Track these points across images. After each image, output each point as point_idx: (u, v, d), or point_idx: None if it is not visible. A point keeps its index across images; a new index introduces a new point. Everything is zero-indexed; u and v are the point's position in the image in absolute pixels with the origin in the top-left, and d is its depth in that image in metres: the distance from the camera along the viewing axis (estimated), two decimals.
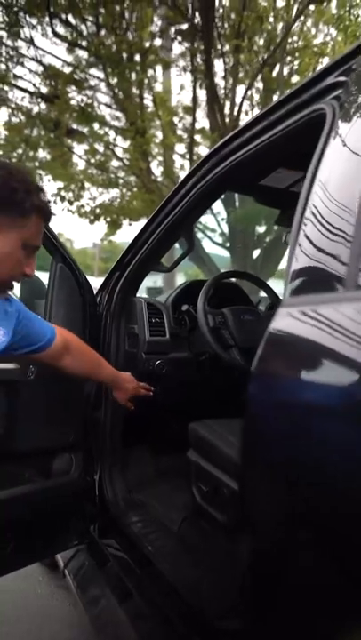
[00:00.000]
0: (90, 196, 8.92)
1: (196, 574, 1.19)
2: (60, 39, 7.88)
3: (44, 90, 8.15)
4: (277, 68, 8.33)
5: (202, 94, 8.48)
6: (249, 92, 8.47)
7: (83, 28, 7.99)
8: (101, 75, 8.44)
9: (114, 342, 1.56)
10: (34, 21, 7.31)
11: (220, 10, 7.69)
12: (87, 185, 8.93)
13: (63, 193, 8.57)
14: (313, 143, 0.86)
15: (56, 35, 7.80)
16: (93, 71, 8.52)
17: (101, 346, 1.53)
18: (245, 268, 8.42)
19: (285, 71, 8.49)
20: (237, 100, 8.35)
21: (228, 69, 8.12)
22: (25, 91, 8.14)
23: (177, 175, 8.91)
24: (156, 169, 9.18)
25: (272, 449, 0.63)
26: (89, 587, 1.37)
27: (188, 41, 7.81)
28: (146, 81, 8.23)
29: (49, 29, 7.66)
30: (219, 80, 8.18)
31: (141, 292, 1.70)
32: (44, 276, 1.55)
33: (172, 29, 8.22)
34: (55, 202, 8.05)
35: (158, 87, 8.95)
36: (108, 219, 8.77)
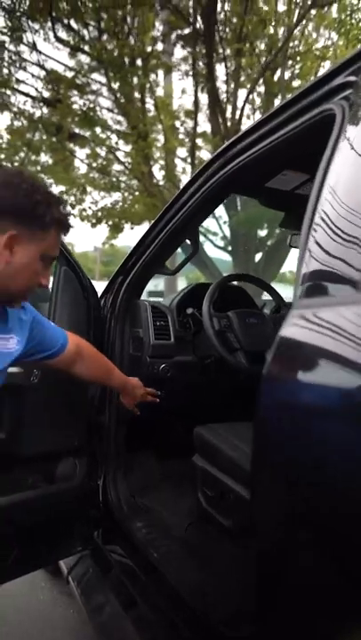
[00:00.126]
0: (91, 200, 8.96)
1: (202, 580, 1.17)
2: (62, 44, 7.92)
3: (46, 94, 8.18)
4: (279, 72, 8.36)
5: (203, 98, 8.53)
6: (251, 96, 8.49)
7: (85, 32, 8.05)
8: (103, 79, 8.48)
9: (118, 346, 1.55)
10: (36, 26, 7.35)
11: (222, 14, 7.73)
12: (89, 189, 8.96)
13: (65, 197, 8.59)
14: (321, 144, 0.85)
15: (58, 39, 7.84)
16: (95, 76, 8.57)
17: (105, 349, 1.52)
18: (247, 271, 8.41)
19: (287, 75, 8.52)
20: (239, 104, 8.38)
21: (229, 73, 8.14)
22: (27, 95, 8.18)
23: (179, 179, 8.93)
24: (158, 173, 9.22)
25: (285, 453, 0.62)
26: (93, 593, 1.35)
27: (190, 45, 7.83)
28: (148, 85, 8.26)
29: (51, 34, 7.71)
30: (220, 84, 8.22)
31: (143, 296, 1.69)
32: None
33: (174, 34, 8.27)
34: None
35: (160, 91, 9.00)
36: (110, 222, 8.78)
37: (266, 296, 1.96)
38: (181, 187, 1.40)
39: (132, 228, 8.90)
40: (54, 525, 1.36)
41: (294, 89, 7.42)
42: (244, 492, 1.09)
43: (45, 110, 8.30)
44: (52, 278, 1.48)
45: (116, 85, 8.30)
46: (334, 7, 7.86)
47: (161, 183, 8.93)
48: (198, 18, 7.57)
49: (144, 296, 1.70)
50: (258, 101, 8.88)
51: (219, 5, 7.44)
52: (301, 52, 8.17)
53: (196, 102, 8.34)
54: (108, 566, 1.44)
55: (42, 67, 8.09)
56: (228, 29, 7.76)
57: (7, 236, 0.81)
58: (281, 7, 7.93)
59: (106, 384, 1.36)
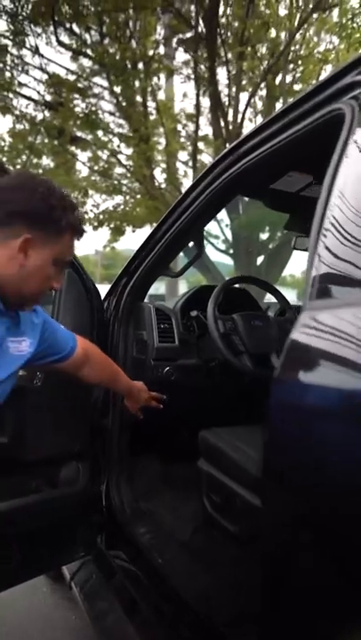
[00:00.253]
0: (93, 203, 8.96)
1: (207, 586, 1.15)
2: (64, 48, 7.95)
3: (48, 98, 8.20)
4: (280, 76, 8.38)
5: (205, 102, 8.55)
6: (252, 100, 8.51)
7: (87, 36, 8.08)
8: (105, 83, 8.51)
9: (122, 348, 1.54)
10: (38, 30, 7.38)
11: (224, 18, 7.75)
12: (90, 192, 8.96)
13: None
14: (328, 145, 0.85)
15: (60, 43, 7.87)
16: (97, 79, 8.60)
17: (109, 352, 1.51)
18: (249, 274, 8.39)
19: (288, 79, 8.54)
20: (241, 107, 8.39)
21: (231, 77, 8.15)
22: (29, 99, 8.21)
23: (180, 182, 8.94)
24: (160, 176, 9.23)
25: (297, 457, 0.61)
26: (96, 599, 1.33)
27: (192, 49, 7.86)
28: (149, 89, 8.28)
29: (53, 38, 7.74)
30: (222, 87, 8.23)
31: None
32: None
33: (175, 38, 8.30)
34: None
35: (161, 95, 9.02)
36: (112, 225, 8.78)
37: (269, 299, 1.95)
38: (185, 189, 1.39)
39: (133, 231, 8.90)
40: (57, 530, 1.35)
41: (296, 92, 7.44)
42: (250, 497, 1.07)
43: (47, 114, 8.32)
44: None
45: (117, 89, 8.32)
46: (335, 12, 7.91)
47: (163, 186, 8.94)
48: (200, 21, 7.58)
49: (145, 299, 1.69)
50: (259, 105, 8.91)
51: (221, 9, 7.47)
52: (303, 56, 8.18)
53: (198, 106, 8.35)
54: (111, 571, 1.43)
55: (44, 70, 8.13)
56: (229, 33, 7.77)
57: (22, 240, 0.81)
58: (282, 11, 7.99)
59: (112, 387, 1.36)
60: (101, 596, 1.35)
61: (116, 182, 8.98)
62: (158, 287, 11.35)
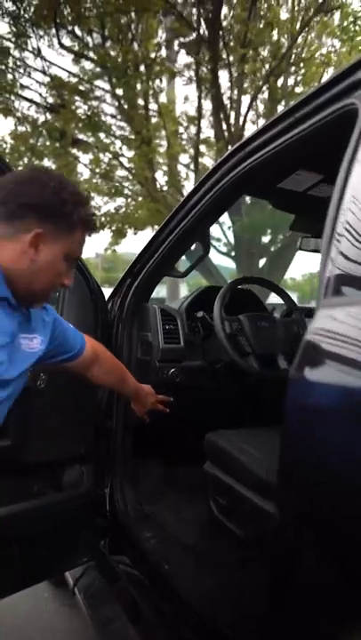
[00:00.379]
0: (95, 205, 8.95)
1: (213, 591, 1.12)
2: (66, 50, 7.97)
3: (50, 100, 8.22)
4: (282, 79, 8.39)
5: (206, 105, 8.56)
6: (254, 103, 8.51)
7: (89, 39, 8.10)
8: (107, 86, 8.53)
9: (126, 350, 1.51)
10: (40, 32, 7.39)
11: (226, 21, 7.76)
12: (92, 194, 8.95)
13: None
14: (340, 141, 0.83)
15: (62, 46, 7.89)
16: (99, 82, 8.62)
17: (113, 353, 1.48)
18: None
19: (291, 81, 8.54)
20: (243, 110, 8.39)
21: (233, 80, 8.16)
22: (31, 101, 8.22)
23: (182, 185, 8.94)
24: (161, 179, 9.23)
25: (319, 459, 0.58)
26: (100, 605, 1.31)
27: (194, 52, 7.87)
28: (151, 92, 8.29)
29: (55, 41, 7.76)
30: (224, 90, 8.24)
31: None
32: None
33: (176, 42, 8.31)
34: None
35: (163, 97, 9.03)
36: (113, 228, 8.77)
37: (270, 300, 1.93)
38: (187, 191, 1.38)
39: (135, 234, 8.90)
40: (60, 535, 1.32)
41: (298, 95, 7.44)
42: (259, 501, 1.05)
43: (49, 116, 8.34)
44: None
45: (119, 91, 8.34)
46: (336, 15, 7.92)
47: (164, 189, 8.94)
48: (203, 24, 7.59)
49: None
50: (261, 107, 8.92)
51: (223, 11, 7.48)
52: (305, 59, 8.19)
53: (200, 108, 8.36)
54: (115, 577, 1.40)
55: (46, 73, 8.14)
56: (232, 35, 7.78)
57: (33, 234, 0.79)
58: (284, 15, 8.00)
59: (119, 389, 1.33)
60: (105, 601, 1.32)
61: (117, 185, 8.98)
62: (159, 290, 11.33)
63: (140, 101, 8.50)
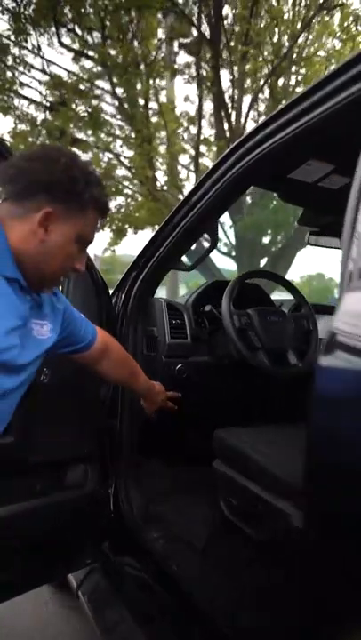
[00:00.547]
0: None
1: (227, 595, 1.08)
2: (65, 49, 7.94)
3: (49, 99, 8.19)
4: (283, 79, 8.37)
5: (207, 106, 8.54)
6: (255, 104, 8.50)
7: (89, 38, 8.06)
8: (107, 86, 8.50)
9: (131, 345, 1.47)
10: (40, 30, 7.35)
11: (228, 19, 7.74)
12: None
13: None
14: (353, 129, 0.79)
15: (62, 44, 7.86)
16: (99, 82, 8.59)
17: None
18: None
19: (292, 81, 8.53)
20: (244, 109, 8.38)
21: (234, 79, 8.14)
22: (30, 100, 8.19)
23: (182, 184, 8.91)
24: (162, 178, 9.20)
25: (354, 455, 0.54)
26: (105, 609, 1.26)
27: (195, 51, 7.85)
28: (152, 90, 8.26)
29: (55, 39, 7.73)
30: (225, 89, 8.22)
31: None
32: None
33: (176, 42, 8.29)
34: None
35: (163, 96, 9.01)
36: (113, 227, 8.74)
37: (276, 295, 1.90)
38: (189, 189, 1.34)
39: (135, 233, 8.86)
40: (63, 536, 1.28)
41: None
42: (273, 501, 1.00)
43: (49, 115, 8.30)
44: None
45: (120, 91, 8.31)
46: (337, 16, 7.92)
47: (165, 188, 8.91)
48: (204, 22, 7.57)
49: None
50: (262, 107, 8.90)
51: (225, 9, 7.46)
52: (306, 58, 8.18)
53: (200, 107, 8.34)
54: (120, 579, 1.36)
55: (45, 72, 8.11)
56: (234, 32, 7.75)
57: (42, 214, 0.75)
58: (285, 14, 7.98)
59: (130, 386, 1.29)
60: (110, 604, 1.28)
61: (117, 184, 8.94)
62: (158, 292, 11.27)
63: (141, 101, 8.48)
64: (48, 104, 8.16)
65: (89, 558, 1.41)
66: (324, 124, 0.98)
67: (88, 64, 8.51)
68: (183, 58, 8.80)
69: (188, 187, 8.66)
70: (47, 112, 8.23)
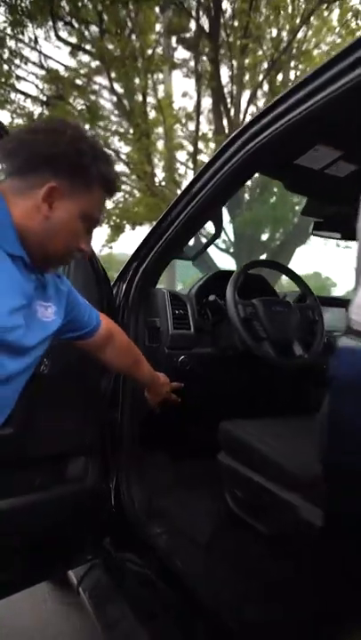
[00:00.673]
0: None
1: (232, 590, 1.05)
2: (62, 42, 7.87)
3: (46, 93, 8.12)
4: (282, 74, 8.33)
5: (205, 102, 8.50)
6: (255, 99, 8.46)
7: (86, 32, 7.99)
8: (104, 81, 8.44)
9: (132, 336, 1.43)
10: (37, 22, 7.27)
11: (228, 13, 7.69)
12: None
13: None
14: None
15: (59, 38, 7.79)
16: (96, 78, 8.53)
17: None
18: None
19: (292, 76, 8.49)
20: (243, 105, 8.34)
21: (233, 74, 8.09)
22: (26, 95, 8.11)
23: (181, 180, 8.88)
24: (160, 174, 9.15)
25: None
26: (107, 606, 1.23)
27: (193, 46, 7.79)
28: (150, 82, 8.21)
29: (52, 33, 7.65)
30: (224, 83, 8.17)
31: None
32: None
33: (174, 38, 8.24)
34: None
35: (161, 91, 8.95)
36: (111, 223, 8.69)
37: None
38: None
39: (133, 229, 8.81)
40: (63, 531, 1.24)
41: None
42: (280, 492, 0.97)
43: (45, 109, 8.23)
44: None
45: (118, 86, 8.25)
46: (335, 12, 7.88)
47: (163, 184, 8.86)
48: (203, 14, 7.52)
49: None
50: (262, 102, 8.86)
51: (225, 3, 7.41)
52: (305, 52, 8.13)
53: (199, 102, 8.30)
54: (121, 575, 1.32)
55: (42, 67, 8.04)
56: (233, 26, 7.69)
57: (46, 189, 0.71)
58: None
59: (134, 375, 1.25)
60: (112, 601, 1.25)
61: None
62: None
63: (139, 97, 8.42)
64: (45, 98, 8.09)
65: (89, 554, 1.38)
66: (331, 107, 0.94)
67: (85, 58, 8.46)
68: (182, 53, 8.78)
69: (186, 183, 8.60)
70: (44, 106, 8.15)
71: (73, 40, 8.08)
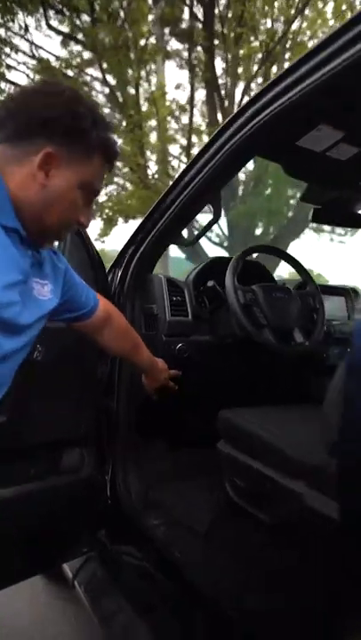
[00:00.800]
0: None
1: (233, 580, 1.02)
2: (54, 31, 7.74)
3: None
4: (276, 67, 8.28)
5: (198, 95, 8.44)
6: (249, 89, 8.40)
7: (77, 21, 7.86)
8: (96, 73, 8.33)
9: None
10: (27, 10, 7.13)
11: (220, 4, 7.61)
12: None
13: None
14: None
15: (50, 27, 7.65)
16: (89, 70, 8.41)
17: None
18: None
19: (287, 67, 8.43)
20: (237, 97, 8.28)
21: (228, 65, 8.02)
22: (17, 85, 7.96)
23: (172, 175, 8.80)
24: (153, 167, 9.07)
25: None
26: (104, 599, 1.20)
27: (187, 34, 7.70)
28: (143, 73, 8.11)
29: (43, 21, 7.51)
30: (219, 74, 8.09)
31: None
32: None
33: (167, 29, 8.14)
34: None
35: (154, 84, 8.85)
36: (104, 216, 8.60)
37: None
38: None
39: (126, 222, 8.73)
40: (58, 523, 1.21)
41: None
42: (283, 480, 0.94)
43: None
44: (55, 244, 1.32)
45: (110, 77, 8.14)
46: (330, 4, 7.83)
47: (156, 177, 8.78)
48: (197, 4, 7.43)
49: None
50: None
51: None
52: (299, 44, 8.08)
53: (192, 94, 8.22)
54: (117, 568, 1.29)
55: (33, 56, 7.90)
56: (227, 17, 7.61)
57: (42, 155, 0.66)
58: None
59: (132, 360, 1.21)
60: (109, 594, 1.21)
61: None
62: None
63: (132, 89, 8.32)
64: None
65: (85, 547, 1.35)
66: (335, 82, 0.91)
67: (77, 49, 8.33)
68: (175, 45, 8.68)
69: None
70: None
71: (64, 29, 7.95)
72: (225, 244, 9.29)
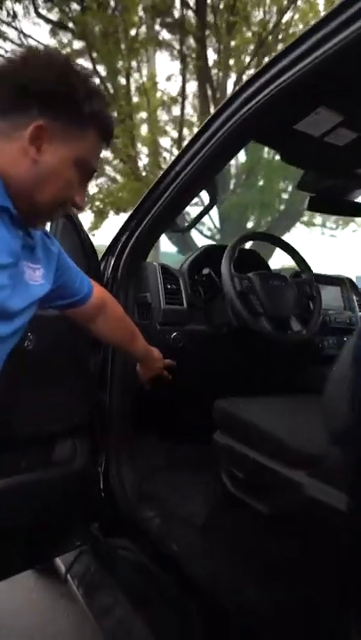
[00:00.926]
0: None
1: (231, 573, 1.00)
2: (43, 19, 7.58)
3: None
4: (268, 58, 8.22)
5: (190, 87, 8.36)
6: (240, 80, 8.34)
7: (66, 9, 7.72)
8: (86, 63, 8.18)
9: None
10: None
11: None
12: None
13: None
14: None
15: (39, 15, 7.50)
16: (78, 61, 8.27)
17: None
18: None
19: None
20: (229, 89, 8.21)
21: (220, 56, 7.94)
22: None
23: (163, 167, 8.73)
24: (144, 159, 8.99)
25: None
26: (98, 593, 1.17)
27: (178, 26, 7.61)
28: (134, 64, 8.01)
29: (31, 9, 7.36)
30: (211, 64, 8.01)
31: None
32: None
33: (158, 20, 8.04)
34: None
35: (145, 76, 8.74)
36: (94, 208, 8.51)
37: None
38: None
39: (117, 214, 8.65)
40: (51, 516, 1.18)
41: None
42: (282, 470, 0.92)
43: None
44: (47, 228, 1.28)
45: (100, 68, 8.02)
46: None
47: (147, 169, 8.71)
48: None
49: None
50: None
51: None
52: (292, 35, 8.03)
53: (184, 84, 8.15)
54: (112, 562, 1.27)
55: (21, 44, 7.74)
56: (219, 7, 7.53)
57: (32, 128, 0.61)
58: None
59: (127, 349, 1.17)
60: (103, 588, 1.19)
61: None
62: None
63: (123, 80, 8.21)
64: None
65: (77, 540, 1.32)
66: (335, 62, 0.88)
67: (66, 38, 8.19)
68: (166, 36, 8.57)
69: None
70: None
71: (53, 17, 7.80)
72: (217, 237, 9.26)
